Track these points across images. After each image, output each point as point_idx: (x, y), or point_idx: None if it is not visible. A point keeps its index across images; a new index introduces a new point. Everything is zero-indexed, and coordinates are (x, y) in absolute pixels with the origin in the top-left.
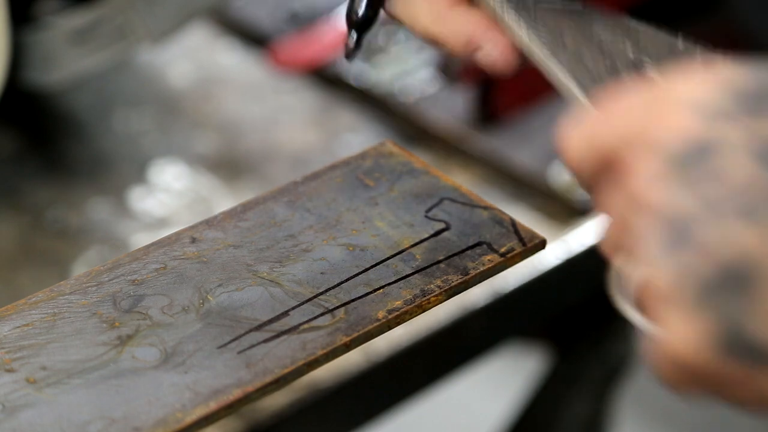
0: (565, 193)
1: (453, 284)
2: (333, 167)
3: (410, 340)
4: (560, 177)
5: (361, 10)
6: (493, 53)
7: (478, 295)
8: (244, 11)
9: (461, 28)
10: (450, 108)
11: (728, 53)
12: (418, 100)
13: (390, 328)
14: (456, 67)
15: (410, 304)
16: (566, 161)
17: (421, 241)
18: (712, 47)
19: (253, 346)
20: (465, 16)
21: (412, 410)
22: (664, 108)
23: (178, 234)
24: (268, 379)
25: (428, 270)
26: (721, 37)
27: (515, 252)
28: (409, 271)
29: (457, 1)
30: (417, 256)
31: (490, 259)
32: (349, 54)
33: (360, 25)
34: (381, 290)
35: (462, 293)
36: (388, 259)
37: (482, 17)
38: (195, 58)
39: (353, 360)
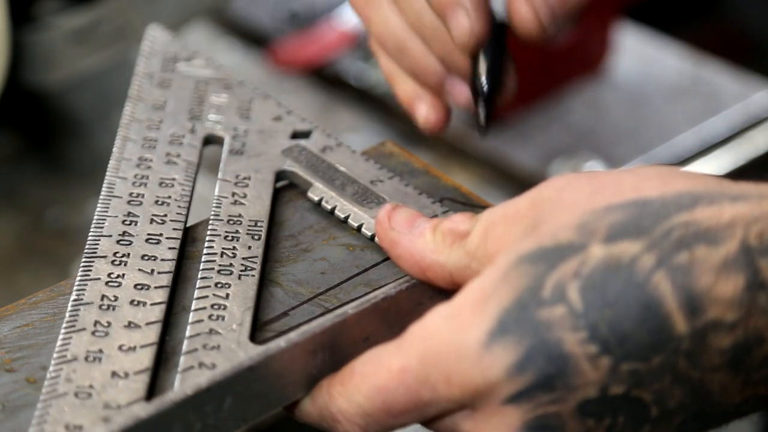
0: None
1: None
2: None
3: None
4: None
5: (484, 80)
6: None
7: None
8: (244, 11)
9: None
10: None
11: (728, 53)
12: None
13: None
14: None
15: None
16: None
17: None
18: (712, 47)
19: None
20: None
21: None
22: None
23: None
24: None
25: None
26: (721, 37)
27: None
28: None
29: None
30: None
31: None
32: (482, 132)
33: (488, 97)
34: (381, 290)
35: None
36: (387, 258)
37: None
38: None
39: None
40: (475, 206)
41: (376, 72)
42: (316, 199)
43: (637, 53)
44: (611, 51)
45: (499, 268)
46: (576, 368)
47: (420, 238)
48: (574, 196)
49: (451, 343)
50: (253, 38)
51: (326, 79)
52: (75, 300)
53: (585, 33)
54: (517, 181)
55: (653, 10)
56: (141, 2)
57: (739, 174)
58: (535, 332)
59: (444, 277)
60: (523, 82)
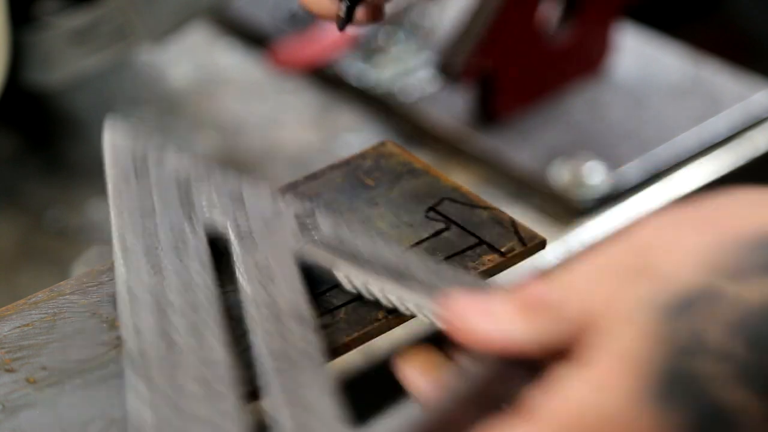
0: (565, 193)
1: None
2: (333, 167)
3: (409, 340)
4: (560, 177)
5: None
6: None
7: None
8: (244, 11)
9: None
10: (450, 108)
11: (728, 53)
12: (418, 100)
13: (390, 328)
14: (457, 67)
15: None
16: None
17: (421, 241)
18: (712, 47)
19: None
20: None
21: (411, 410)
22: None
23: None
24: None
25: None
26: (721, 37)
27: (515, 252)
28: None
29: None
30: None
31: (490, 258)
32: (341, 24)
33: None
34: None
35: None
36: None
37: None
38: (195, 58)
39: (353, 360)
40: (474, 206)
41: (376, 72)
42: (343, 276)
43: (637, 53)
44: (611, 51)
45: (637, 324)
46: (746, 428)
47: (502, 321)
48: (679, 235)
49: (604, 414)
50: (253, 38)
51: (326, 79)
52: None
53: (585, 33)
54: (517, 181)
55: (653, 10)
56: (141, 2)
57: (739, 174)
58: (699, 391)
59: (535, 352)
60: (524, 82)
